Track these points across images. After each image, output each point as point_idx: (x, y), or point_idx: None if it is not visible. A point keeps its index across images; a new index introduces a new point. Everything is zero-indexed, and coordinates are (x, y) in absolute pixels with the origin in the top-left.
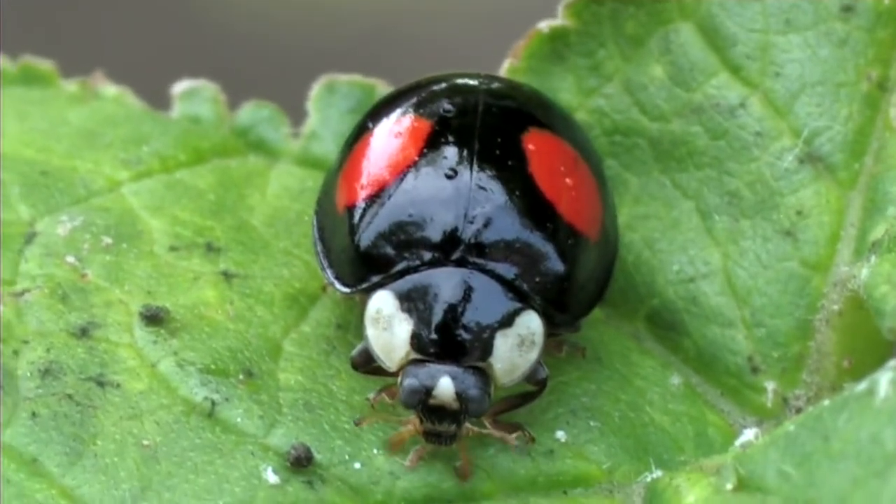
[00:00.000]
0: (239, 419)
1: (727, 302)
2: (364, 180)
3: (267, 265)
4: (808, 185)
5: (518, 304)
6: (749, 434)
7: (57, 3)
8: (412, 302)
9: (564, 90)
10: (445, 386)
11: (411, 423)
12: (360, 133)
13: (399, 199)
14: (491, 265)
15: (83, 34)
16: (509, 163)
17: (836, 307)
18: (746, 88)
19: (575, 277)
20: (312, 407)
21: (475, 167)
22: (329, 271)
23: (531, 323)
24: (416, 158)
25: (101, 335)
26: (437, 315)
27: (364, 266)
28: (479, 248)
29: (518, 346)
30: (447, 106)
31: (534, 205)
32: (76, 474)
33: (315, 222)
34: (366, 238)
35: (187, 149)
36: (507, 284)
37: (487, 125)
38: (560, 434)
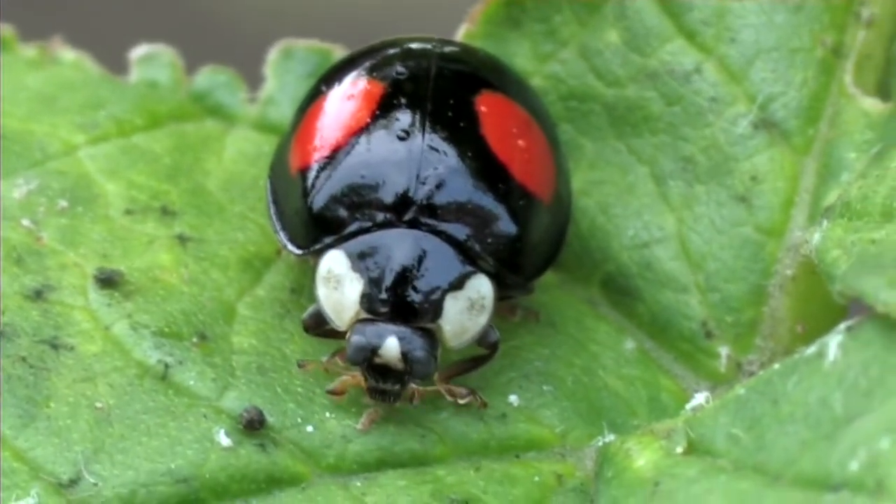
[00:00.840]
0: (192, 382)
1: (681, 267)
2: (317, 143)
3: (222, 229)
4: (763, 151)
5: (469, 267)
6: (700, 398)
7: None
8: (363, 262)
9: (520, 55)
10: (391, 345)
11: (354, 377)
12: (313, 96)
13: (351, 160)
14: (442, 226)
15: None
16: (461, 124)
17: (789, 272)
18: (701, 54)
19: (527, 239)
20: (266, 370)
21: (427, 129)
22: (282, 234)
23: (482, 286)
24: (369, 120)
25: (55, 298)
26: (387, 275)
27: (316, 228)
28: (430, 210)
29: (468, 308)
30: (400, 69)
31: (485, 166)
32: (29, 436)
33: (269, 186)
34: (318, 200)
35: (144, 113)
36: (459, 246)
37: (440, 87)
38: (513, 398)
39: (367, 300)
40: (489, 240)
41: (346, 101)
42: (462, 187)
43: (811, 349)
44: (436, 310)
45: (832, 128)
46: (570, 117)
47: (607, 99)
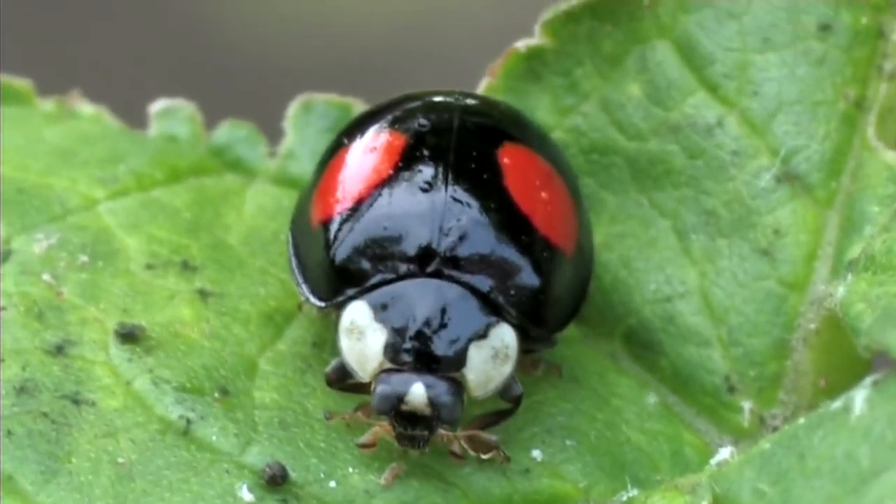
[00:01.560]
0: (214, 437)
1: (704, 321)
2: (339, 195)
3: (243, 284)
4: (786, 204)
5: (493, 317)
6: (725, 452)
7: (38, 23)
8: (386, 312)
9: (541, 109)
10: (417, 391)
11: (384, 427)
12: (334, 149)
13: (374, 212)
14: (465, 277)
15: (62, 54)
16: (484, 176)
17: (812, 326)
18: (724, 107)
19: (550, 291)
20: (288, 425)
21: (450, 180)
22: (304, 286)
23: (505, 336)
24: (392, 172)
25: (76, 353)
26: (411, 325)
27: (339, 279)
28: (453, 261)
29: (492, 358)
30: (422, 121)
31: (509, 218)
32: (51, 492)
33: (290, 239)
34: (341, 251)
35: (164, 167)
36: (482, 297)
37: (462, 139)
38: (536, 453)
39: (391, 350)
40: (512, 291)
41: (368, 153)
42: (485, 238)
43: (837, 403)
44: (460, 359)
45: (855, 181)
46: (592, 171)
47: (629, 152)
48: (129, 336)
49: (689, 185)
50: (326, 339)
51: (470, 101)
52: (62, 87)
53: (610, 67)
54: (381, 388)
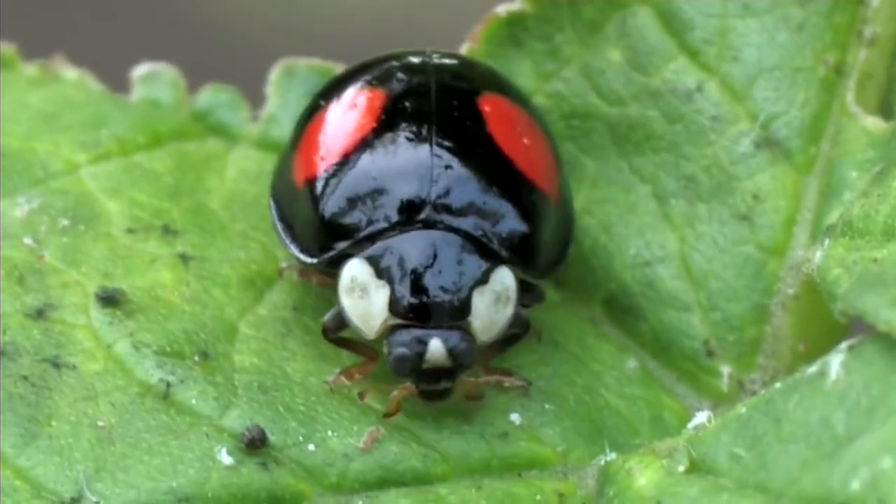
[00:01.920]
0: (194, 401)
1: (683, 286)
2: (323, 152)
3: (224, 248)
4: (765, 170)
5: (489, 261)
6: (702, 417)
7: None
8: (386, 267)
9: (522, 74)
10: (437, 348)
11: (406, 388)
12: (313, 110)
13: (361, 165)
14: (458, 223)
15: (45, 18)
16: (467, 124)
17: (791, 291)
18: (704, 73)
19: (539, 233)
20: (267, 389)
21: (434, 130)
22: (293, 245)
23: (505, 278)
24: (375, 125)
25: (57, 317)
26: (413, 278)
27: (330, 234)
28: (445, 208)
29: (494, 302)
30: (400, 76)
31: (495, 164)
32: (31, 455)
33: (273, 203)
34: (330, 206)
35: (146, 132)
36: (476, 242)
37: (442, 91)
38: (514, 416)
39: (396, 305)
40: (504, 234)
41: (349, 111)
42: (474, 184)
43: (813, 368)
44: (465, 307)
45: (834, 147)
46: (572, 136)
47: (609, 118)
48: (109, 300)
49: (669, 150)
50: (307, 303)
51: (446, 59)
52: (45, 52)
53: (590, 33)
54: (398, 352)
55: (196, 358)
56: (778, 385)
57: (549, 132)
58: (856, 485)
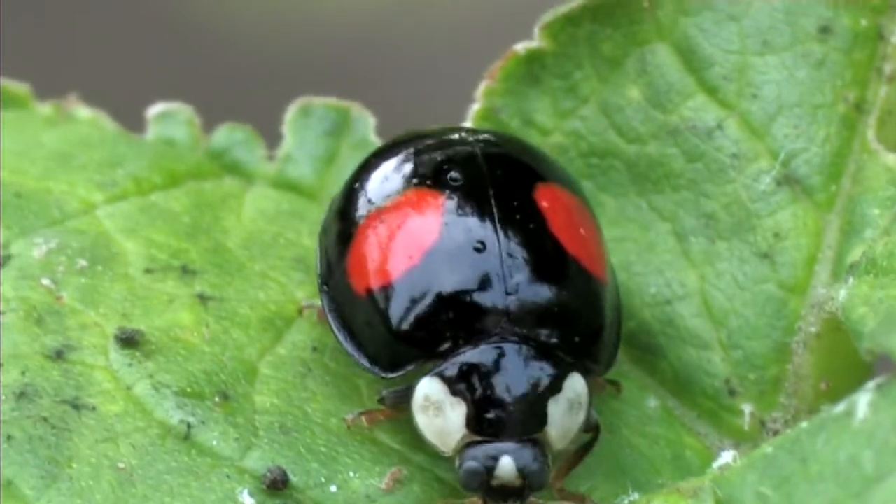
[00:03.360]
0: (215, 442)
1: (704, 324)
2: (384, 261)
3: (242, 288)
4: (786, 208)
5: (562, 369)
6: (727, 456)
7: (33, 26)
8: (461, 384)
9: (540, 112)
10: (507, 465)
11: (472, 502)
12: (357, 203)
13: (431, 276)
14: (534, 334)
15: (59, 57)
16: (531, 226)
17: (813, 329)
18: (723, 110)
19: (606, 328)
20: (288, 430)
21: (500, 236)
22: (364, 360)
23: (577, 385)
24: (439, 235)
25: (76, 358)
26: (490, 394)
27: (404, 352)
28: (520, 320)
29: (568, 410)
30: (452, 173)
31: (563, 265)
32: (52, 497)
33: (327, 305)
34: (402, 322)
35: (162, 171)
36: (549, 351)
37: (499, 188)
38: None
39: (474, 423)
40: (576, 339)
41: (403, 213)
42: (545, 292)
43: (840, 407)
44: (541, 419)
45: (855, 184)
46: (591, 174)
47: (628, 155)
48: (128, 341)
49: (689, 188)
50: (327, 343)
51: (491, 144)
52: (58, 92)
53: (609, 70)
54: (468, 465)
55: (216, 399)
56: (804, 424)
57: (590, 205)
58: None
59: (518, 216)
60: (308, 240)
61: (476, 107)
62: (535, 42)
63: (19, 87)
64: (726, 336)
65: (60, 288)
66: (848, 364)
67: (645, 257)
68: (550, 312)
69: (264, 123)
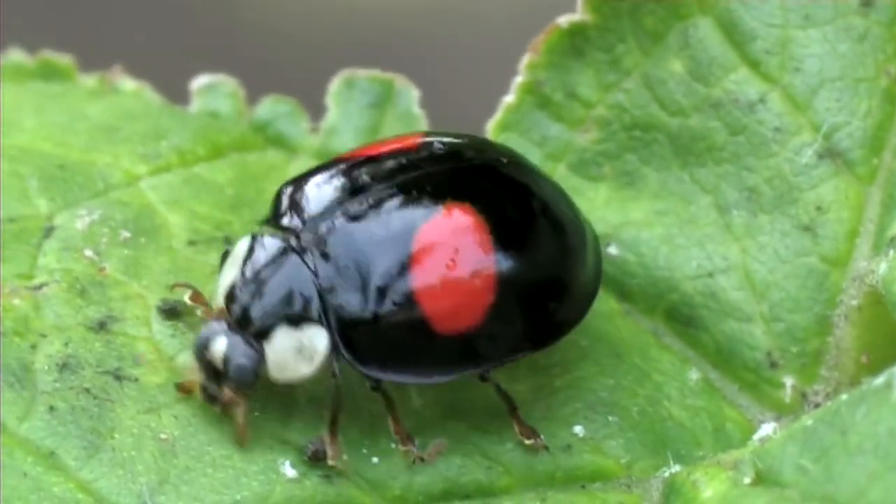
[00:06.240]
0: (257, 413)
1: (745, 297)
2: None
3: None
4: (828, 181)
5: (313, 320)
6: (767, 429)
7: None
8: (249, 259)
9: (584, 85)
10: (219, 345)
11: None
12: None
13: None
14: (321, 261)
15: (103, 30)
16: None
17: (854, 302)
18: (766, 84)
19: (379, 334)
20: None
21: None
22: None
23: (316, 338)
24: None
25: (118, 329)
26: (250, 277)
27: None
28: (322, 242)
29: (295, 350)
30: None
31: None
32: (93, 468)
33: None
34: None
35: (206, 143)
36: (325, 308)
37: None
38: (578, 429)
39: (227, 296)
40: (349, 321)
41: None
42: (354, 242)
43: (879, 380)
44: (266, 332)
45: None
46: (634, 147)
47: (671, 129)
48: (171, 312)
49: (731, 161)
50: None
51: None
52: (103, 64)
53: (652, 43)
54: (200, 334)
55: None
56: (844, 397)
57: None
58: None
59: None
60: None
61: (519, 79)
62: (577, 15)
63: (63, 59)
64: (768, 309)
65: (103, 259)
66: (888, 337)
67: (687, 230)
68: (348, 259)
69: (306, 100)
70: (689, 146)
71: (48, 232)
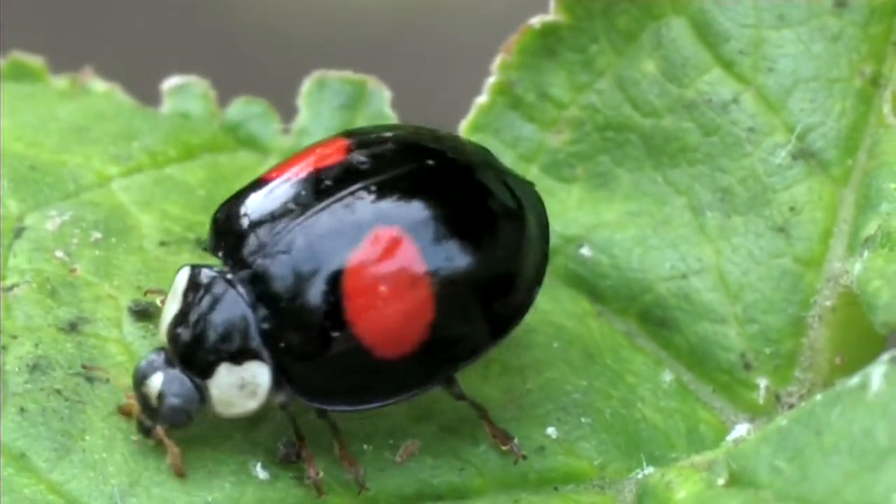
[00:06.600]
0: None
1: (719, 298)
2: None
3: None
4: (801, 182)
5: (255, 354)
6: (741, 430)
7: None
8: (187, 293)
9: (556, 85)
10: (155, 380)
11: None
12: None
13: None
14: (256, 296)
15: (76, 31)
16: None
17: (828, 303)
18: (739, 84)
19: (324, 366)
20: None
21: None
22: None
23: (259, 374)
24: None
25: (89, 330)
26: (188, 312)
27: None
28: (255, 277)
29: (239, 386)
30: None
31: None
32: (64, 469)
33: None
34: None
35: (177, 144)
36: (267, 335)
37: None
38: (551, 430)
39: (168, 331)
40: (289, 338)
41: None
42: (294, 269)
43: (854, 380)
44: (208, 370)
45: (871, 158)
46: (607, 148)
47: (644, 129)
48: (142, 313)
49: (705, 162)
50: None
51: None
52: (73, 65)
53: (625, 44)
54: (141, 363)
55: None
56: (819, 397)
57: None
58: None
59: None
60: None
61: (492, 80)
62: (550, 15)
63: (34, 61)
64: (742, 310)
65: (74, 260)
66: (863, 338)
67: (661, 231)
68: (285, 292)
69: (278, 99)
70: (662, 147)
71: (18, 232)
